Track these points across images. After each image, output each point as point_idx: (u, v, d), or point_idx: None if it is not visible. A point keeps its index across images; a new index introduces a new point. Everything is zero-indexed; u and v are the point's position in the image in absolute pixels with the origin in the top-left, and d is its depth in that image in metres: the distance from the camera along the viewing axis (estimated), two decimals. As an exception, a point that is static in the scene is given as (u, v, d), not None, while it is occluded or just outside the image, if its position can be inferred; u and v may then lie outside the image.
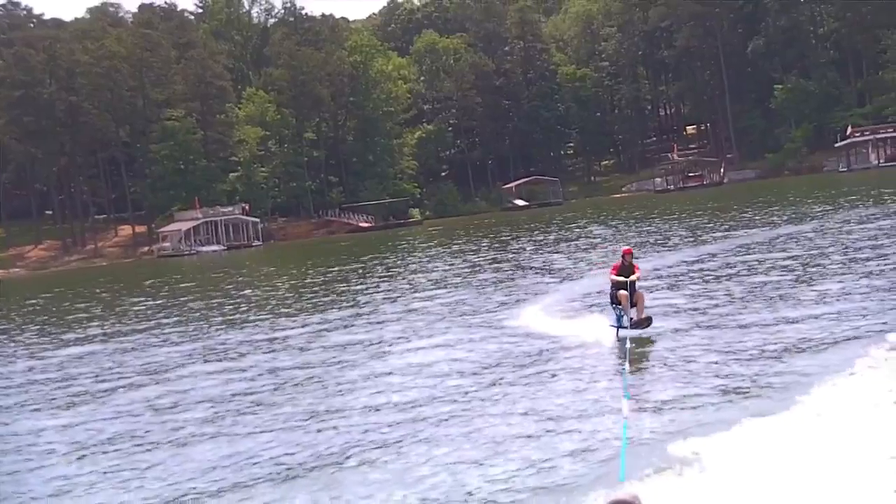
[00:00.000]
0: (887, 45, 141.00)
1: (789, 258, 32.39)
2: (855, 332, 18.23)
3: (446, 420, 15.29)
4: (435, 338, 24.29)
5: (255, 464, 14.14)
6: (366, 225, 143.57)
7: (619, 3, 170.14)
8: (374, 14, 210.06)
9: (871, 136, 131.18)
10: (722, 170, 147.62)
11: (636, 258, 21.89)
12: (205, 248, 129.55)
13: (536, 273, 38.43)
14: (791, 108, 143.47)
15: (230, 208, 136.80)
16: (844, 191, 72.56)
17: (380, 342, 24.64)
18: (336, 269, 58.96)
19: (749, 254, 35.51)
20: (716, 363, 17.09)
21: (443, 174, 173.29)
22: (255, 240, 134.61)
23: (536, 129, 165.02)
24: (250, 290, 49.56)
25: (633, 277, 20.83)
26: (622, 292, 20.61)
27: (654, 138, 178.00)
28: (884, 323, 18.85)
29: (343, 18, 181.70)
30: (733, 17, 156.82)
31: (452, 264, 49.47)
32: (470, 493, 11.63)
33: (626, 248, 21.99)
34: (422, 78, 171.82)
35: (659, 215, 72.65)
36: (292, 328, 29.67)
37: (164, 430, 17.03)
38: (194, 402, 19.43)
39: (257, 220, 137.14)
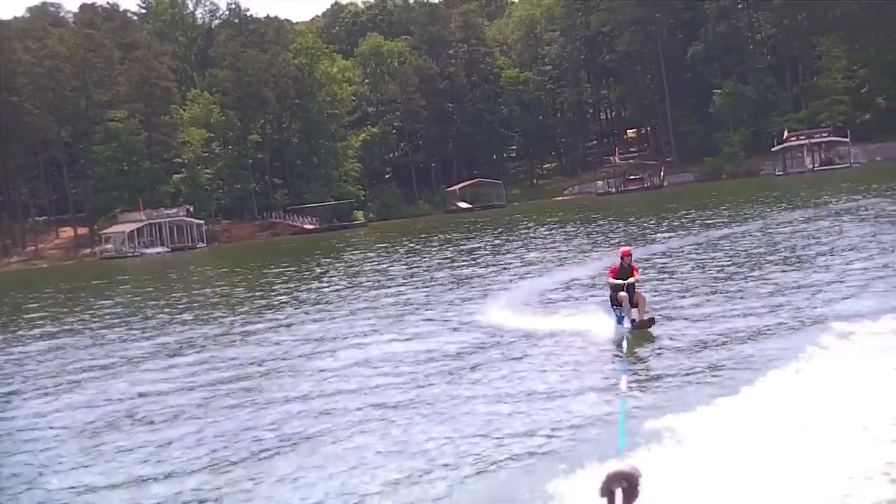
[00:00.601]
0: (822, 51, 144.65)
1: (738, 255, 33.77)
2: (806, 320, 19.49)
3: (439, 401, 16.17)
4: (407, 330, 25.11)
5: (235, 442, 14.90)
6: (310, 227, 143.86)
7: (561, 8, 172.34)
8: (317, 16, 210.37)
9: (806, 141, 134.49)
10: (662, 173, 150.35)
11: (636, 262, 21.58)
12: (148, 250, 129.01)
13: (495, 271, 39.42)
14: (729, 113, 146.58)
15: (174, 210, 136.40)
16: (781, 194, 74.72)
17: (351, 335, 25.33)
18: (291, 268, 59.49)
19: (701, 252, 36.86)
20: (688, 349, 18.15)
21: (387, 177, 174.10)
22: (199, 242, 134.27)
23: (480, 132, 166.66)
24: (209, 289, 49.95)
25: (630, 280, 20.55)
26: (621, 294, 20.40)
27: (596, 142, 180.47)
28: (831, 311, 20.21)
29: (287, 20, 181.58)
30: (673, 22, 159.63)
31: (408, 263, 50.33)
32: (469, 462, 12.52)
33: (625, 248, 21.60)
34: (366, 80, 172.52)
35: (604, 216, 74.19)
36: (258, 322, 30.31)
37: (139, 417, 17.72)
38: (168, 391, 20.02)
39: (202, 221, 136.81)
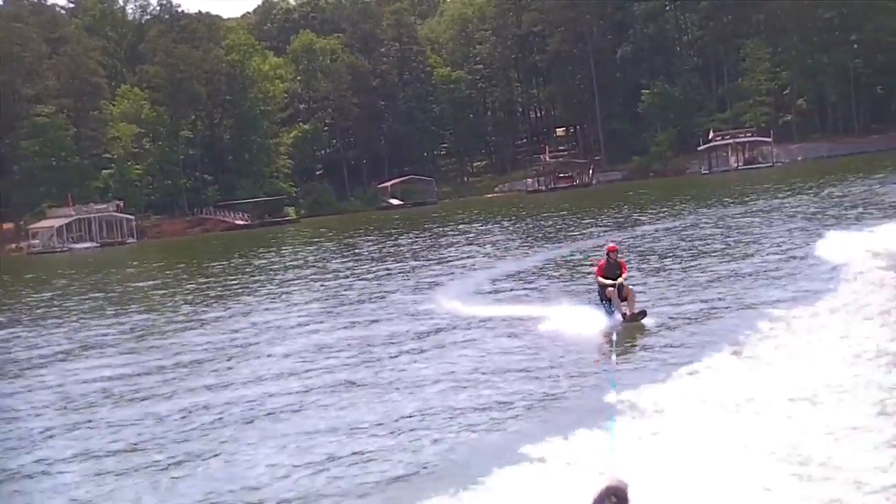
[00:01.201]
0: (746, 53, 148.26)
1: (676, 248, 35.30)
2: (745, 306, 20.95)
3: (381, 383, 17.22)
4: (359, 317, 26.11)
5: (181, 422, 15.87)
6: (242, 223, 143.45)
7: (492, 8, 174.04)
8: (248, 13, 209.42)
9: (730, 141, 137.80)
10: (591, 171, 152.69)
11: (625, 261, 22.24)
12: (78, 246, 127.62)
13: (438, 264, 40.50)
14: (657, 113, 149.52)
15: (104, 205, 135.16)
16: (710, 192, 77.03)
17: (302, 322, 26.23)
18: (234, 261, 59.79)
19: (641, 245, 38.34)
20: (652, 331, 19.41)
21: (318, 173, 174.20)
22: (129, 237, 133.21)
23: (411, 129, 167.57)
24: (144, 283, 50.17)
25: (620, 280, 20.56)
26: (609, 289, 20.39)
27: (526, 140, 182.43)
28: (767, 296, 21.72)
29: (218, 17, 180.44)
30: (603, 23, 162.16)
31: (350, 256, 51.18)
32: (414, 438, 13.54)
33: (611, 245, 21.54)
34: (298, 78, 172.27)
35: (537, 213, 75.72)
36: (210, 312, 30.98)
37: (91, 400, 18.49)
38: (108, 378, 20.71)
39: (131, 217, 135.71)
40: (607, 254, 20.94)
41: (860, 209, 42.37)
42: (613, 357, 16.05)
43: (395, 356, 19.71)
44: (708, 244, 35.38)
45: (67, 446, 14.99)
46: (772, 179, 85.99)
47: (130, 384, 19.52)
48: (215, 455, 13.70)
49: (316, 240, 76.95)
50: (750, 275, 25.72)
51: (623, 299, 20.38)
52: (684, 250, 34.26)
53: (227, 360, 21.40)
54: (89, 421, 16.56)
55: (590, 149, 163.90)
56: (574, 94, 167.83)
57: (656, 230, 44.30)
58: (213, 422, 15.61)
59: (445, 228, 69.26)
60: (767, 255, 29.72)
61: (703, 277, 26.32)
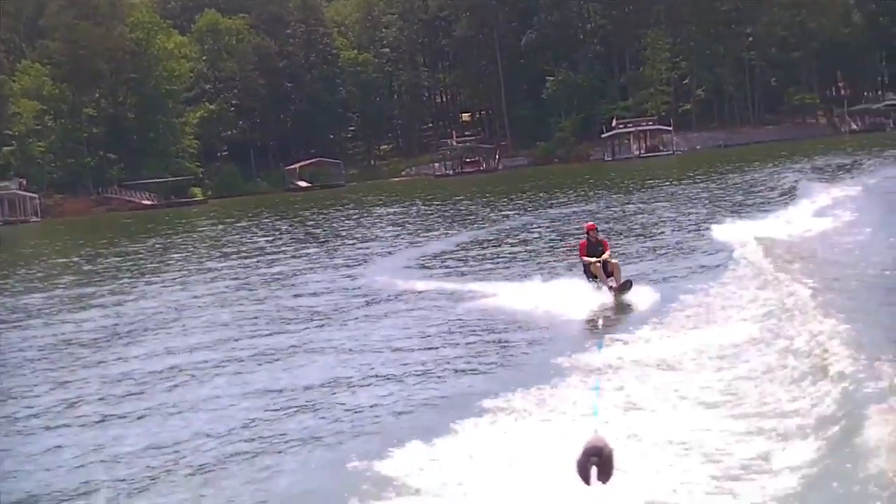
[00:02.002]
0: (646, 43, 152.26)
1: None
2: (660, 280, 23.03)
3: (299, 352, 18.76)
4: (296, 291, 27.49)
5: (102, 388, 17.06)
6: (148, 203, 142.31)
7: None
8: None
9: (633, 129, 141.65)
10: (497, 156, 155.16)
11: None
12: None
13: (360, 243, 41.95)
14: (561, 100, 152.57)
15: (6, 183, 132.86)
16: (616, 177, 79.87)
17: (234, 297, 27.49)
18: (151, 240, 60.16)
19: (550, 226, 40.37)
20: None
21: (223, 154, 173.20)
22: (33, 216, 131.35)
23: (318, 111, 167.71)
24: (63, 259, 50.36)
25: (604, 257, 21.01)
26: (595, 265, 20.84)
27: (432, 125, 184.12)
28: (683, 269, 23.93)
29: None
30: (508, 10, 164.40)
31: (271, 236, 52.19)
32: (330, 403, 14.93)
33: (590, 223, 21.94)
34: (203, 57, 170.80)
35: (450, 197, 77.48)
36: (126, 290, 31.97)
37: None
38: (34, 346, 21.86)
39: (35, 195, 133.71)
40: (587, 232, 21.50)
41: (754, 196, 45.34)
42: (600, 322, 17.63)
43: (346, 322, 21.25)
44: (623, 224, 37.58)
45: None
46: (673, 167, 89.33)
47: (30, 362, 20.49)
48: (140, 418, 14.78)
49: (229, 220, 77.37)
50: (662, 253, 27.91)
51: (609, 275, 20.87)
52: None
53: (155, 332, 22.59)
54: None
55: (495, 134, 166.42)
56: (480, 79, 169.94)
57: (573, 212, 46.44)
58: (135, 391, 16.63)
59: (361, 210, 70.53)
60: (672, 236, 32.01)
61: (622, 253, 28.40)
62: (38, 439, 14.28)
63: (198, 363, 18.28)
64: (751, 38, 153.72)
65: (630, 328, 17.44)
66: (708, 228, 31.96)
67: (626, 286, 20.63)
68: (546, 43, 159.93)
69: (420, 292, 24.59)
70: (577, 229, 38.03)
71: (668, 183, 63.32)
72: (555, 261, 28.46)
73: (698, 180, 63.38)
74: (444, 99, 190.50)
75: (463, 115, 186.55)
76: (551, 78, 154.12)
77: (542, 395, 13.29)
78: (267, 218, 72.84)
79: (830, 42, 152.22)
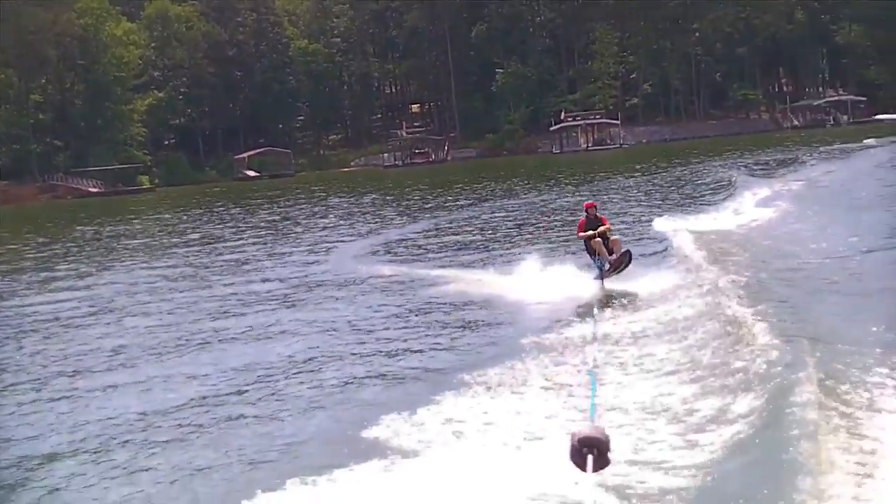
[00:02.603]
0: (595, 37, 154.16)
1: (540, 219, 38.69)
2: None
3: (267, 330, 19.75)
4: (268, 275, 28.36)
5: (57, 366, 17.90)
6: (95, 190, 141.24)
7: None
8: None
9: (581, 122, 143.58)
10: (446, 148, 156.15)
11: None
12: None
13: (321, 231, 42.83)
14: (510, 92, 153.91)
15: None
16: (567, 169, 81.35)
17: (216, 280, 28.34)
18: (97, 227, 60.32)
19: (511, 216, 41.55)
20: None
21: (170, 142, 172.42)
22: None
23: (268, 100, 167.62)
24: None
25: (601, 229, 21.17)
26: (595, 239, 21.04)
27: (381, 115, 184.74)
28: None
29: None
30: (459, 1, 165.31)
31: (230, 225, 52.81)
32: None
33: (589, 202, 22.19)
34: (152, 45, 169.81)
35: (403, 187, 78.44)
36: (87, 275, 32.66)
37: None
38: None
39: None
40: (586, 210, 21.79)
41: (695, 189, 46.97)
42: (595, 311, 18.49)
43: (319, 302, 22.23)
44: (575, 215, 38.81)
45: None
46: (620, 160, 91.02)
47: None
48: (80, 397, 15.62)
49: (182, 208, 77.64)
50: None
51: (610, 251, 21.13)
52: (552, 221, 37.62)
53: (119, 313, 23.42)
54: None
55: (445, 126, 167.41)
56: (430, 70, 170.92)
57: (525, 203, 47.72)
58: (79, 368, 17.53)
59: (316, 200, 71.19)
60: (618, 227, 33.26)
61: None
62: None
63: (179, 339, 19.18)
64: (697, 34, 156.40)
65: (590, 311, 18.66)
66: (650, 220, 33.11)
67: (625, 257, 21.01)
68: (496, 35, 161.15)
69: (387, 276, 25.62)
70: (534, 219, 39.38)
71: (617, 175, 64.82)
72: (515, 248, 29.59)
73: (645, 173, 65.02)
74: (394, 90, 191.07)
75: (412, 106, 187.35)
76: (501, 70, 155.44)
77: (515, 369, 14.43)
78: (221, 206, 73.24)
79: (774, 39, 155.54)
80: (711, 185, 48.25)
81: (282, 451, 12.07)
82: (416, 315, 19.89)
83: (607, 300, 19.63)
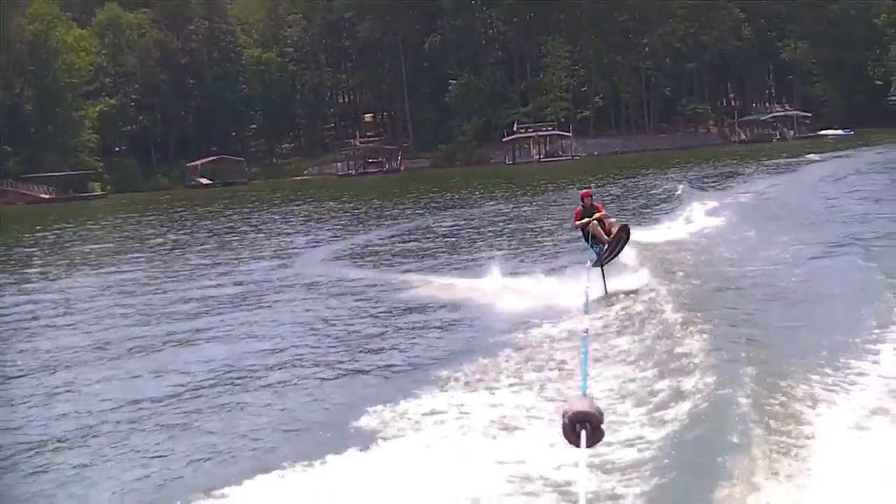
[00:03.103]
0: (547, 50, 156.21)
1: (503, 229, 39.89)
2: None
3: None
4: (243, 279, 29.23)
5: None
6: (46, 196, 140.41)
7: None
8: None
9: (533, 134, 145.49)
10: (399, 158, 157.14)
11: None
12: None
13: (284, 236, 43.67)
14: (463, 104, 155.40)
15: None
16: (521, 180, 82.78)
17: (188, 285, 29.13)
18: (57, 233, 60.51)
19: (473, 224, 42.69)
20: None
21: (121, 149, 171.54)
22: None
23: (220, 108, 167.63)
24: None
25: (597, 216, 21.24)
26: (593, 223, 21.14)
27: (334, 124, 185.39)
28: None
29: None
30: (413, 13, 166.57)
31: (191, 230, 53.36)
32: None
33: (585, 190, 22.48)
34: (104, 51, 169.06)
35: (359, 196, 79.33)
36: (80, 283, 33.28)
37: None
38: None
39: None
40: (582, 199, 21.90)
41: (642, 201, 48.54)
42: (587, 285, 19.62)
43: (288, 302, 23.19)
44: (532, 224, 40.16)
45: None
46: (572, 171, 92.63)
47: None
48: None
49: (139, 214, 77.82)
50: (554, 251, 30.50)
51: (608, 233, 21.19)
52: (515, 230, 38.86)
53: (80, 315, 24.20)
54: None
55: (398, 136, 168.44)
56: (383, 81, 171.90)
57: (484, 212, 48.95)
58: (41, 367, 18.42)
59: (273, 207, 71.83)
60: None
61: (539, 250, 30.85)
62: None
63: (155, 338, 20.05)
64: (647, 49, 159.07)
65: (555, 312, 19.86)
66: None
67: (622, 231, 21.21)
68: (449, 47, 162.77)
69: (357, 280, 26.57)
70: (496, 228, 40.58)
71: (571, 186, 66.24)
72: (479, 254, 30.70)
73: (597, 184, 66.44)
74: (348, 99, 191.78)
75: (366, 115, 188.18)
76: (454, 82, 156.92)
77: (488, 365, 15.54)
78: (180, 212, 73.62)
79: (722, 55, 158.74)
80: (662, 196, 49.73)
81: (270, 439, 13.00)
82: (391, 316, 20.89)
83: (565, 306, 20.61)
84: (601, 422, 5.57)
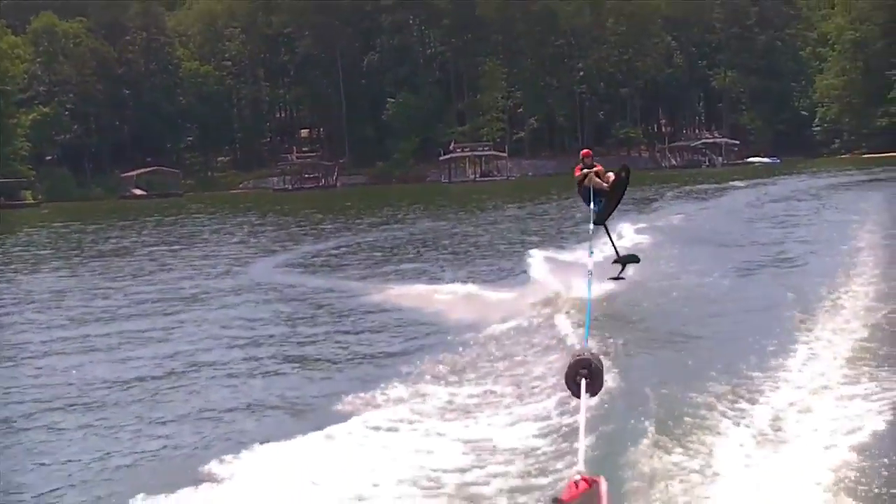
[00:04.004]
0: (484, 71, 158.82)
1: (431, 242, 41.46)
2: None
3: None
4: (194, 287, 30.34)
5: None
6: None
7: (243, 5, 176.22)
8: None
9: (469, 153, 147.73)
10: (336, 174, 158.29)
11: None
12: None
13: (233, 244, 44.71)
14: (400, 121, 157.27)
15: None
16: (454, 199, 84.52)
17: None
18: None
19: (406, 237, 44.17)
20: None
21: (52, 158, 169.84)
22: None
23: (156, 120, 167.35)
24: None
25: (595, 169, 21.58)
26: (591, 175, 21.41)
27: (270, 139, 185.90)
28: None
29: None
30: (352, 31, 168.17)
31: (134, 239, 53.99)
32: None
33: (585, 150, 22.72)
34: (38, 59, 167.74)
35: (297, 211, 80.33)
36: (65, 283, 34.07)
37: None
38: None
39: None
40: (582, 159, 22.23)
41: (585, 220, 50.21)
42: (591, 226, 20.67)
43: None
44: (466, 242, 41.73)
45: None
46: (507, 191, 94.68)
47: None
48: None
49: (74, 223, 77.43)
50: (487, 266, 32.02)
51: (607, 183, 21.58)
52: (459, 244, 40.38)
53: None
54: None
55: (335, 152, 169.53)
56: (321, 97, 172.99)
57: (428, 227, 50.55)
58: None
59: (214, 218, 72.48)
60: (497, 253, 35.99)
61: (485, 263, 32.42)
62: None
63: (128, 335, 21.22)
64: (582, 73, 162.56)
65: (502, 313, 21.37)
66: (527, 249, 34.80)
67: (622, 172, 21.64)
68: (387, 65, 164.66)
69: (311, 287, 27.81)
70: (438, 241, 42.12)
71: (508, 205, 68.10)
72: (427, 264, 32.16)
73: (533, 203, 68.29)
74: (285, 114, 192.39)
75: (302, 131, 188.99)
76: (391, 100, 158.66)
77: (445, 358, 16.96)
78: (117, 221, 73.89)
79: (654, 81, 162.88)
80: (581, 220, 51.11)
81: (238, 421, 14.26)
82: (351, 317, 22.19)
83: (511, 309, 21.95)
84: (601, 372, 5.77)
